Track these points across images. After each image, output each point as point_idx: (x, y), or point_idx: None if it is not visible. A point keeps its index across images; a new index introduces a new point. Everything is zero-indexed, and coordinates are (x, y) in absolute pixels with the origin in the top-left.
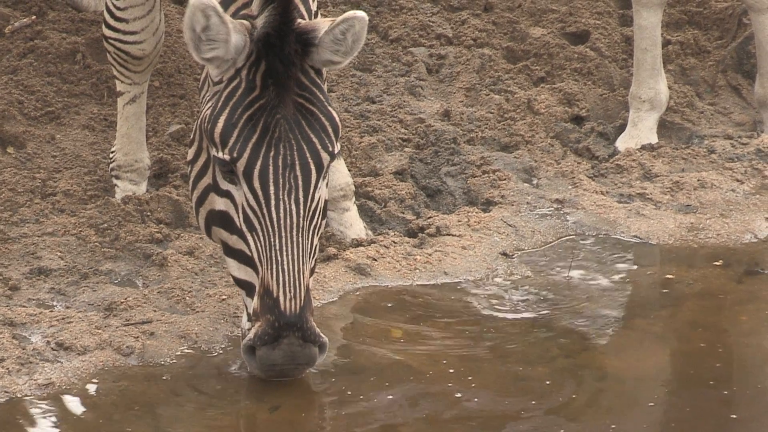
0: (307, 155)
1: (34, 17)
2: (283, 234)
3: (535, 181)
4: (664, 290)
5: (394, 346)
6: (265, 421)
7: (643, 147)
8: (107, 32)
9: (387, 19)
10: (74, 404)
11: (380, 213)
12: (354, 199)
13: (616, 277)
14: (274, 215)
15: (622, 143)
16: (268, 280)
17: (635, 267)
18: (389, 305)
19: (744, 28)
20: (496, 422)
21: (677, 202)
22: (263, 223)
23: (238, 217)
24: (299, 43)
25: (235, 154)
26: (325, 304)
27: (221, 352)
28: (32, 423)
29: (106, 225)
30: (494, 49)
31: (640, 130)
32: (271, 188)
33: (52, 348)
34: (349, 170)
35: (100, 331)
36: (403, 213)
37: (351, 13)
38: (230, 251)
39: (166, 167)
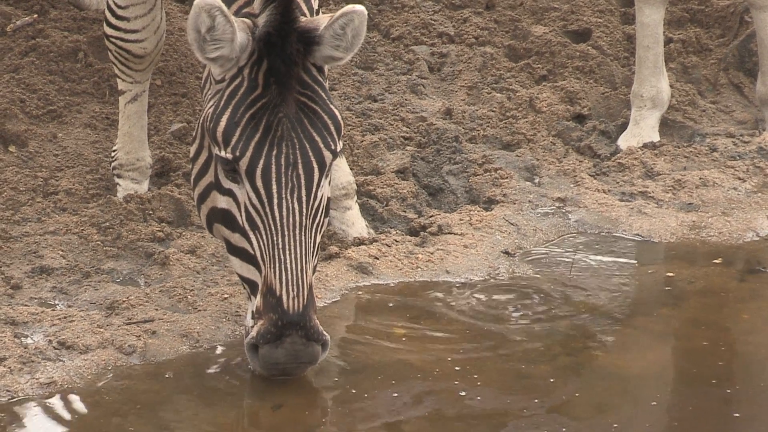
0: (310, 153)
1: (35, 16)
2: (286, 232)
3: (536, 180)
4: (666, 288)
5: (396, 345)
6: (268, 419)
7: (645, 145)
8: (108, 31)
9: (389, 18)
10: (76, 403)
11: (382, 211)
12: (356, 197)
13: (618, 276)
14: (276, 214)
15: (624, 141)
16: (270, 279)
17: (637, 265)
18: (391, 304)
19: (746, 26)
20: (498, 420)
21: (679, 200)
22: (266, 221)
23: (241, 215)
24: (301, 42)
25: (237, 153)
26: (327, 303)
27: (223, 350)
28: (34, 422)
29: (107, 224)
30: (496, 47)
31: (642, 129)
32: (274, 187)
33: (54, 347)
34: (350, 169)
35: (102, 329)
36: (405, 211)
37: (349, 7)
38: (233, 249)
39: (167, 166)
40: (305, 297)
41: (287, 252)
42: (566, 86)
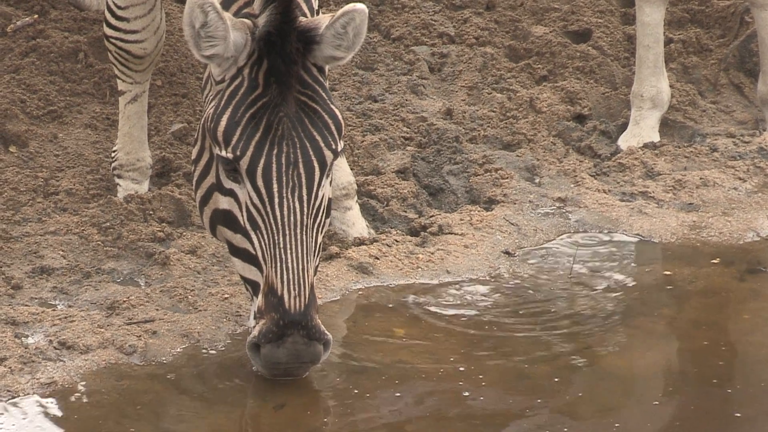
0: (311, 153)
1: (36, 16)
2: (287, 232)
3: (537, 180)
4: (667, 288)
5: (397, 345)
6: (269, 419)
7: (646, 145)
8: (108, 31)
9: (389, 18)
10: (77, 403)
11: (382, 212)
12: (356, 197)
13: (619, 276)
14: (278, 213)
15: (624, 142)
16: (272, 279)
17: (638, 265)
18: (391, 304)
19: (746, 27)
20: (500, 420)
21: (679, 200)
22: (267, 221)
23: (242, 215)
24: (301, 41)
25: (238, 153)
26: (328, 302)
27: (224, 350)
28: (35, 422)
29: (108, 224)
30: (496, 47)
31: (642, 129)
32: (275, 186)
33: (54, 347)
34: (351, 169)
35: (102, 330)
36: (406, 212)
37: (350, 6)
38: (235, 250)
39: (168, 166)
40: (307, 296)
41: (288, 251)
42: (567, 86)
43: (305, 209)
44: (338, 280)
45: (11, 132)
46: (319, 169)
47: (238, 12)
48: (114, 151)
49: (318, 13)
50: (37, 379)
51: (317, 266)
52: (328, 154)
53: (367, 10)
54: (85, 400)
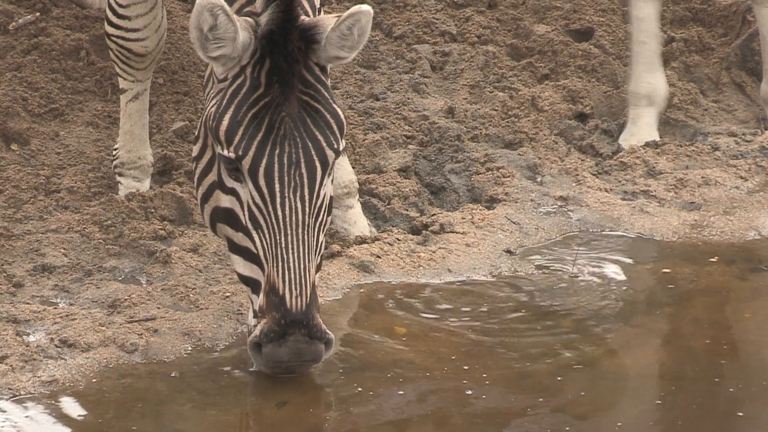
0: (312, 153)
1: (38, 14)
2: (289, 231)
3: (539, 179)
4: (669, 287)
5: (398, 343)
6: (271, 417)
7: (647, 144)
8: (110, 29)
9: (391, 16)
10: (78, 401)
11: (384, 210)
12: (358, 196)
13: (620, 274)
14: (279, 213)
15: (624, 141)
16: (273, 278)
17: (639, 264)
18: (393, 302)
19: (748, 25)
20: (502, 419)
21: (681, 199)
22: (269, 220)
23: (244, 214)
24: (303, 40)
25: (240, 152)
26: (329, 301)
27: (226, 348)
28: (36, 420)
29: (109, 222)
30: (498, 46)
31: (640, 127)
32: (277, 186)
33: (55, 345)
34: (353, 167)
35: (103, 328)
36: (407, 210)
37: (356, 7)
38: (236, 248)
39: (169, 164)
40: (308, 296)
41: (290, 251)
42: (568, 85)
43: (307, 209)
44: (340, 279)
45: (13, 130)
46: (320, 168)
47: (240, 10)
48: (115, 149)
49: (320, 12)
50: (38, 377)
51: (319, 265)
52: (330, 154)
53: (372, 12)
54: (86, 399)
